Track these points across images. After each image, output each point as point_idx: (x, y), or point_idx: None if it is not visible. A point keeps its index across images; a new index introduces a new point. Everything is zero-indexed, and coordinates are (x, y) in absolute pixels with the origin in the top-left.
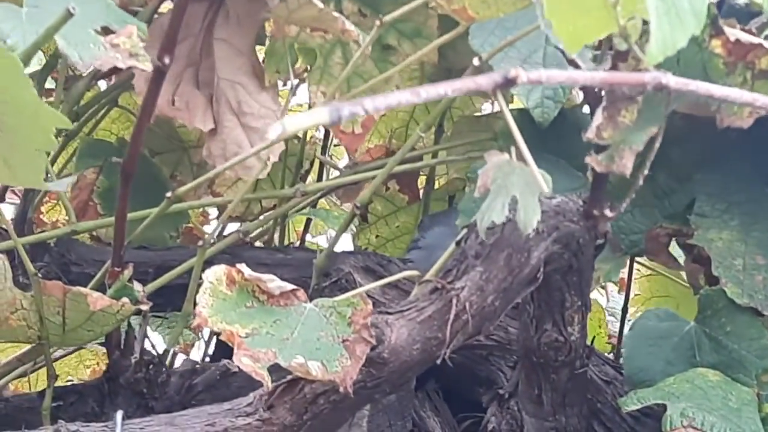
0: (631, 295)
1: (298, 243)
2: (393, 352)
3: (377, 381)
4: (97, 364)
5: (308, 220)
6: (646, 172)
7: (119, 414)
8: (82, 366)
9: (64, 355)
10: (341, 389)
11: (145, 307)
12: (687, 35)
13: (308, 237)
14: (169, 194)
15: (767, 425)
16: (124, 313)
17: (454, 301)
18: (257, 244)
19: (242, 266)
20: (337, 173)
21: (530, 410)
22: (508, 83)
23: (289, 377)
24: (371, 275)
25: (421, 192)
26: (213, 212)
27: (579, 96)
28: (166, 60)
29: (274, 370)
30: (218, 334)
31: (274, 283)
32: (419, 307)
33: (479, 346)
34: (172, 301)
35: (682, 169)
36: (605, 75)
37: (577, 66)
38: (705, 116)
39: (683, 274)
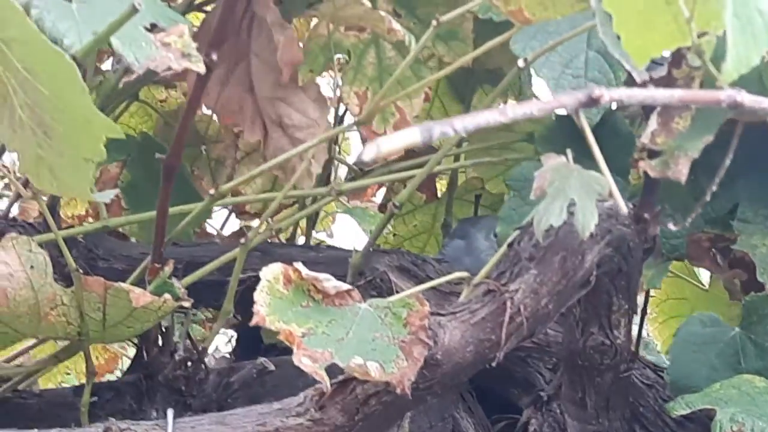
0: None
1: (303, 239)
2: (446, 354)
3: (430, 383)
4: (96, 358)
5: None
6: (714, 188)
7: (170, 412)
8: (82, 360)
9: None
10: (398, 391)
11: (187, 304)
12: (761, 52)
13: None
14: (212, 191)
15: None
16: (165, 310)
17: (509, 303)
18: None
19: (299, 265)
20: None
21: (573, 413)
22: (592, 103)
23: (340, 377)
24: (406, 274)
25: (440, 192)
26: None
27: None
28: (213, 56)
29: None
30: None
31: (330, 282)
32: (472, 309)
33: (518, 348)
34: (203, 298)
35: (725, 173)
36: (683, 93)
37: (632, 79)
38: (748, 122)
39: (700, 275)
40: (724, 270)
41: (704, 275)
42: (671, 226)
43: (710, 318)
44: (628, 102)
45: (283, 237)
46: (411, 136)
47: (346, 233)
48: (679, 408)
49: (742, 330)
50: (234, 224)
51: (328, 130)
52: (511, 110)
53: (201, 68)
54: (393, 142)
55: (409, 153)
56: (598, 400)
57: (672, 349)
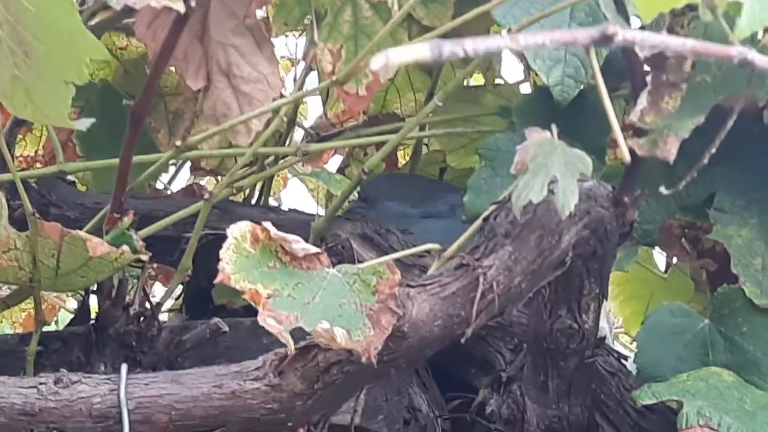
0: None
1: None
2: (413, 327)
3: (394, 355)
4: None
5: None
6: (694, 174)
7: (124, 368)
8: (18, 309)
9: None
10: (364, 359)
11: (144, 257)
12: None
13: None
14: (179, 143)
15: None
16: (122, 262)
17: (481, 279)
18: None
19: (267, 224)
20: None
21: (533, 396)
22: (606, 40)
23: (302, 343)
24: (368, 243)
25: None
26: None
27: None
28: (192, 2)
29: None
30: None
31: (298, 244)
32: (443, 282)
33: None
34: (156, 253)
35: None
36: (695, 43)
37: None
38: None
39: (657, 261)
40: (693, 259)
41: (661, 266)
42: (663, 190)
43: (680, 308)
44: (641, 45)
45: (238, 197)
46: (421, 51)
47: (294, 200)
48: (645, 397)
49: (711, 322)
50: (180, 181)
51: (275, 88)
52: (523, 38)
53: (180, 6)
54: (403, 55)
55: (373, 120)
56: (560, 384)
57: (640, 338)
